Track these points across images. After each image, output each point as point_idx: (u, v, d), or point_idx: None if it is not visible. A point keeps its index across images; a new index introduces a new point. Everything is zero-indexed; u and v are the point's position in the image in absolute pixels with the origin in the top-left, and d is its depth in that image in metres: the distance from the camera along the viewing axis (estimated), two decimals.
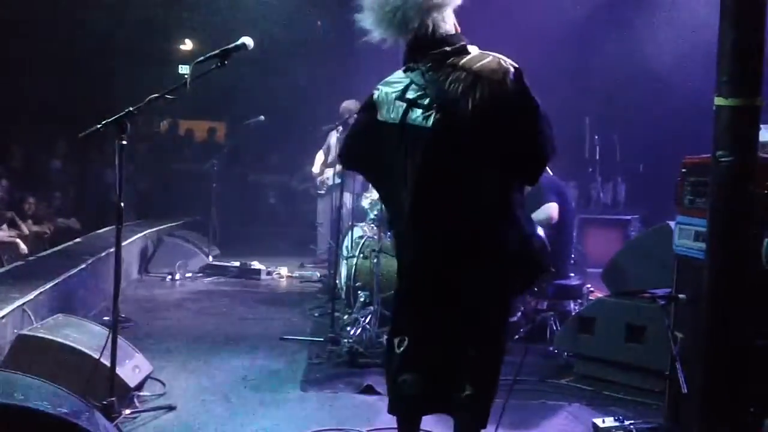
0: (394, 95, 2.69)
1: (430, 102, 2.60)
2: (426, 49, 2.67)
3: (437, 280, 2.68)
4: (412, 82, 2.68)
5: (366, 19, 2.70)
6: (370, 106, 2.77)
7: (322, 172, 7.82)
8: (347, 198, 7.61)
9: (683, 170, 3.26)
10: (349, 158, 2.98)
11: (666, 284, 3.51)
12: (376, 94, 2.76)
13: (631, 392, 4.09)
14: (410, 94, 2.66)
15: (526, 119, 2.59)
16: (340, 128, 6.23)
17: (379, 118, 2.72)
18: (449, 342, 2.67)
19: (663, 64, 7.89)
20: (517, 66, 2.62)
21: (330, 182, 7.67)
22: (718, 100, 2.69)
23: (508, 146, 2.59)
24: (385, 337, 3.14)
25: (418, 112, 2.62)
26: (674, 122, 8.53)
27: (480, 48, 2.72)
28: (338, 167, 7.60)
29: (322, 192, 7.94)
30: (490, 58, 2.63)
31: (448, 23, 2.68)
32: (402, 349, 2.72)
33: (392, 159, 2.69)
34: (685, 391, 2.93)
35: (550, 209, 5.05)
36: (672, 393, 3.22)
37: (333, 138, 7.74)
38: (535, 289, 4.67)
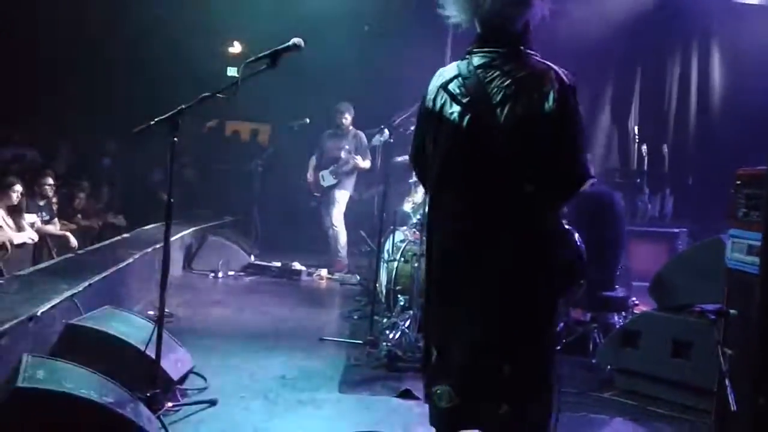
0: (440, 82, 2.65)
1: (467, 102, 2.55)
2: (485, 43, 2.60)
3: (463, 277, 2.57)
4: (459, 75, 2.61)
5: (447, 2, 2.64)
6: (423, 97, 2.72)
7: (315, 178, 8.00)
8: (343, 196, 7.79)
9: (738, 182, 3.17)
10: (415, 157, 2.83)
11: (714, 299, 3.43)
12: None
13: (675, 408, 4.01)
14: (452, 87, 2.60)
15: (563, 140, 2.48)
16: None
17: (426, 104, 2.68)
18: (479, 353, 2.57)
19: (716, 75, 7.73)
20: (569, 82, 2.51)
21: (325, 184, 7.84)
22: None
23: (539, 162, 2.47)
24: (422, 342, 3.09)
25: (455, 107, 2.57)
26: (725, 134, 8.33)
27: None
28: (331, 168, 7.90)
29: (318, 194, 8.06)
30: (541, 69, 2.52)
31: (519, 23, 2.57)
32: (434, 356, 2.67)
33: (429, 148, 2.66)
34: (734, 409, 2.85)
35: None
36: (719, 411, 3.14)
37: (324, 139, 7.96)
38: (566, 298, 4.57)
